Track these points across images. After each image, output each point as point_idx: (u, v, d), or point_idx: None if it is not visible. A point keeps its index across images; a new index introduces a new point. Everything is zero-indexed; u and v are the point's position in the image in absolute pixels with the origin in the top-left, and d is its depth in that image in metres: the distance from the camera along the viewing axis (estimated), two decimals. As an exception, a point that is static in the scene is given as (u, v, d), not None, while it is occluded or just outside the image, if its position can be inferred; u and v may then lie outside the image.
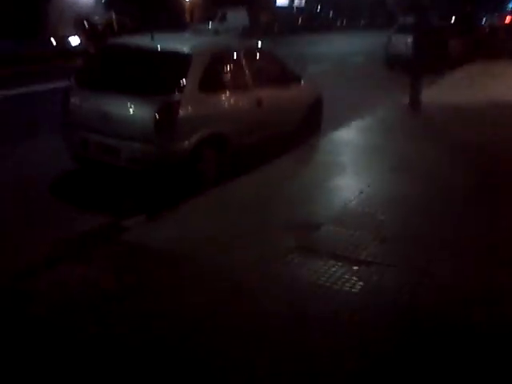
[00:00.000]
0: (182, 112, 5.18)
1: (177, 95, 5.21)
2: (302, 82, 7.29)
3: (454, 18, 18.05)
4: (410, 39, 11.53)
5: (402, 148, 6.76)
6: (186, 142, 5.23)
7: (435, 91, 11.09)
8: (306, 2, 50.11)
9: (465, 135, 7.42)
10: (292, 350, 2.72)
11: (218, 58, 5.86)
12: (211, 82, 5.61)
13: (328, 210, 4.64)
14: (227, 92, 5.84)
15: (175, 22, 29.13)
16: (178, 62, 5.46)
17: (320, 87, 7.93)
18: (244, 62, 6.14)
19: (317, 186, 5.27)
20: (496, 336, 2.89)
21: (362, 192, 5.08)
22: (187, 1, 37.08)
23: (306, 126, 7.31)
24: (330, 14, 52.91)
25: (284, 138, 6.90)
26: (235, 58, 6.11)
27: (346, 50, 24.34)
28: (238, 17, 34.64)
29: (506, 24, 31.99)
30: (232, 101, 5.88)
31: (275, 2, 45.22)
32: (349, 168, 5.86)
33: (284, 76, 6.91)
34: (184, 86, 5.29)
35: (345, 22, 52.64)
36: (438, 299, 3.24)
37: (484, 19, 22.85)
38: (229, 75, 6.06)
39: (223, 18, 33.63)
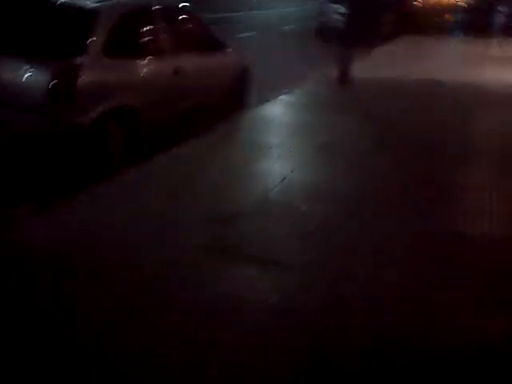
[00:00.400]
0: (82, 79, 4.45)
1: (77, 59, 4.48)
2: (228, 51, 6.68)
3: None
4: (341, 9, 11.19)
5: (329, 126, 6.37)
6: (87, 115, 4.52)
7: (366, 65, 10.81)
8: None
9: (394, 112, 7.15)
10: (189, 376, 2.25)
11: (130, 17, 5.10)
12: (120, 45, 4.89)
13: (246, 199, 4.14)
14: (139, 57, 5.13)
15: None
16: (80, 20, 4.70)
17: (247, 57, 7.35)
18: (161, 24, 5.45)
19: (236, 170, 4.76)
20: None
21: (284, 178, 4.62)
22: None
23: (231, 99, 6.74)
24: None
25: (206, 111, 6.31)
26: (151, 18, 5.40)
27: (277, 16, 23.68)
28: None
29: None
30: (145, 68, 5.17)
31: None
32: (273, 149, 5.39)
33: (208, 43, 6.26)
34: (87, 48, 4.57)
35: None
36: (363, 313, 2.87)
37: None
38: (142, 38, 5.31)
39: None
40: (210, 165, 4.86)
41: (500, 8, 29.43)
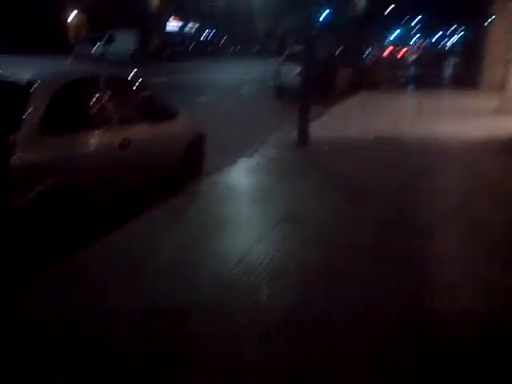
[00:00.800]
0: (15, 157, 4.01)
1: (9, 137, 4.06)
2: (180, 117, 6.39)
3: (340, 49, 18.29)
4: (297, 69, 11.23)
5: (291, 193, 6.06)
6: (23, 196, 4.06)
7: (324, 123, 10.77)
8: (198, 27, 49.95)
9: (357, 174, 6.92)
10: None
11: (70, 89, 4.73)
12: (60, 120, 4.50)
13: (201, 287, 3.69)
14: (82, 132, 4.74)
15: (56, 44, 27.17)
16: (13, 95, 4.32)
17: (201, 122, 7.09)
18: (105, 95, 5.11)
19: (189, 250, 4.31)
20: None
21: (246, 255, 4.21)
22: (71, 20, 35.00)
23: (186, 168, 6.40)
24: (223, 41, 53.20)
25: (159, 182, 5.94)
26: (93, 89, 5.05)
27: (237, 77, 24.05)
28: (126, 40, 33.12)
29: (387, 56, 33.95)
30: (88, 142, 4.78)
31: (166, 26, 44.44)
32: (231, 222, 4.99)
33: (158, 111, 5.93)
34: (21, 125, 4.16)
35: (237, 48, 53.15)
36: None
37: (368, 51, 23.74)
38: (84, 111, 4.96)
39: (110, 41, 32.00)
40: (161, 246, 4.41)
41: (448, 61, 30.82)
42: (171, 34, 45.25)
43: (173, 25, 46.26)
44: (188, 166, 6.41)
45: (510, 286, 3.86)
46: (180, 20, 47.04)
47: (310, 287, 3.75)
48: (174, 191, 5.84)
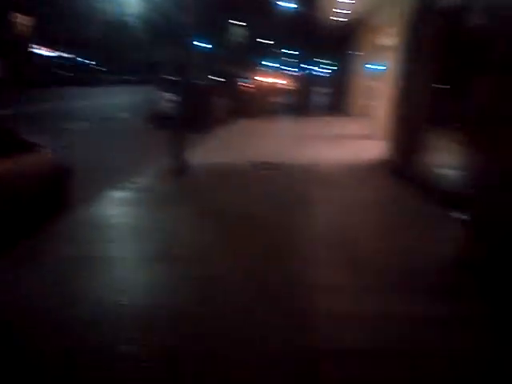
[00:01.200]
0: None
1: None
2: (38, 150, 5.77)
3: (216, 77, 18.40)
4: (172, 96, 11.00)
5: (166, 227, 5.67)
6: None
7: (200, 151, 10.56)
8: (73, 53, 47.90)
9: (233, 202, 6.75)
10: None
11: None
12: None
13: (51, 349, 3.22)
14: None
15: None
16: None
17: (65, 155, 6.51)
18: None
19: (40, 303, 3.78)
20: None
21: (118, 303, 3.76)
22: None
23: (44, 205, 5.77)
24: (100, 67, 51.50)
25: (11, 223, 5.26)
26: None
27: (113, 105, 23.22)
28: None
29: (263, 84, 34.96)
30: None
31: (33, 52, 41.96)
32: (96, 265, 4.48)
33: (5, 145, 5.28)
34: None
35: (115, 75, 51.69)
36: None
37: (245, 79, 24.20)
38: None
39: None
40: (19, 289, 3.83)
41: (319, 89, 32.59)
42: (44, 59, 42.87)
43: (45, 52, 43.81)
44: (48, 202, 5.79)
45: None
46: (53, 50, 44.76)
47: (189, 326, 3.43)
48: (29, 230, 5.20)
